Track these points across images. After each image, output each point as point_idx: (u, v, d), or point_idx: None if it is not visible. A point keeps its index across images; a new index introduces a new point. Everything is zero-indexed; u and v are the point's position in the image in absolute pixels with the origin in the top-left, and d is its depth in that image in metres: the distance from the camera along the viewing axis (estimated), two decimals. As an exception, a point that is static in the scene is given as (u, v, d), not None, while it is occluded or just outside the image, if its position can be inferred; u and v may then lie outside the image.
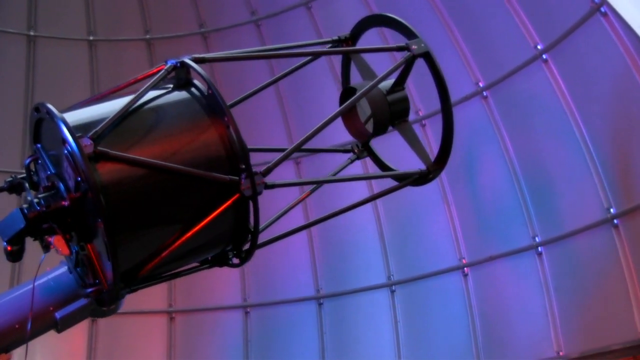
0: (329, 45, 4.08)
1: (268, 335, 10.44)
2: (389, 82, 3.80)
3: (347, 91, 3.92)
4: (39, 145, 3.31)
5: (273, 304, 10.43)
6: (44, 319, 3.62)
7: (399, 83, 3.77)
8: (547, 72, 8.39)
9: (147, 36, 10.79)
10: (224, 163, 3.17)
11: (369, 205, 9.92)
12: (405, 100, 3.81)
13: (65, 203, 3.05)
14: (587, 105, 8.16)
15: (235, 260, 3.54)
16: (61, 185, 3.10)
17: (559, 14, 8.11)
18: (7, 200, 3.70)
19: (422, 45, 3.63)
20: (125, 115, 3.10)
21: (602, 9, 7.51)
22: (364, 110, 3.82)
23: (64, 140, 2.93)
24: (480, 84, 9.10)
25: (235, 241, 3.40)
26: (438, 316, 9.85)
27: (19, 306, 3.72)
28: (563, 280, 8.69)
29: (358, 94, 3.64)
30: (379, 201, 10.00)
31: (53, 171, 3.17)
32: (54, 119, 3.02)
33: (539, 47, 8.43)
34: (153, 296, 10.37)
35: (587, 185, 8.23)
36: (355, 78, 4.19)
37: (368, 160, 4.32)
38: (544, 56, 8.38)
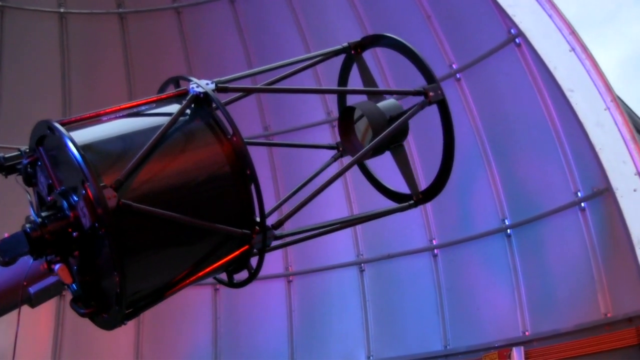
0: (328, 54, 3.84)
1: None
2: (388, 102, 3.80)
3: (347, 111, 3.88)
4: (41, 149, 3.22)
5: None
6: (17, 294, 3.59)
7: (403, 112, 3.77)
8: (458, 91, 9.12)
9: (61, 9, 10.47)
10: (238, 212, 3.23)
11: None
12: (405, 125, 3.79)
13: (75, 234, 3.06)
14: (492, 125, 8.97)
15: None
16: (64, 203, 3.08)
17: (476, 38, 8.85)
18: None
19: (439, 92, 3.66)
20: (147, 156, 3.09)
21: (517, 40, 8.31)
22: (362, 128, 3.81)
23: (84, 181, 2.92)
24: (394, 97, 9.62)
25: (231, 270, 3.50)
26: (334, 308, 10.37)
27: None
28: (454, 281, 9.51)
29: (377, 139, 3.63)
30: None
31: (58, 187, 3.12)
32: (74, 158, 2.94)
33: (453, 66, 9.15)
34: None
35: (486, 196, 9.07)
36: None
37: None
38: (458, 75, 9.12)
